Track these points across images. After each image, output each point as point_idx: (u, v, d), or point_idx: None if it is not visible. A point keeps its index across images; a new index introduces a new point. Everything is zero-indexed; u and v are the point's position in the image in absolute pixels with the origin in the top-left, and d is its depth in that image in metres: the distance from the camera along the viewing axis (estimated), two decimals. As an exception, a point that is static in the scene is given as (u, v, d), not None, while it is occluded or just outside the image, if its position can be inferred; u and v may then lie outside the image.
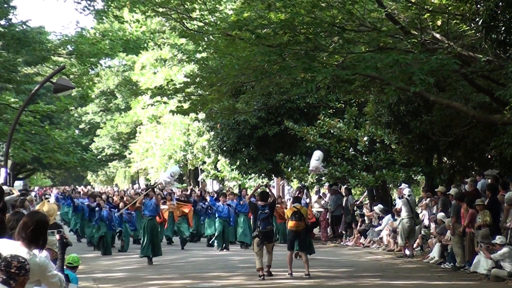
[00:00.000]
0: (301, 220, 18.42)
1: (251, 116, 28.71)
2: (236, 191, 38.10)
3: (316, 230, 30.75)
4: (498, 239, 17.17)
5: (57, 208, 11.77)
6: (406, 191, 23.27)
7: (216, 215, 26.55)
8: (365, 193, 30.73)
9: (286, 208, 23.66)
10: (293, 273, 17.90)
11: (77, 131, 65.38)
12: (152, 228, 21.91)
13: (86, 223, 28.78)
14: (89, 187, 69.87)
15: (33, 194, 42.01)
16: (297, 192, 22.32)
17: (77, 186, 61.89)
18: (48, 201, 26.31)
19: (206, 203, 28.78)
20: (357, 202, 30.57)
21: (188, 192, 34.93)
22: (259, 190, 21.15)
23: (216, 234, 26.42)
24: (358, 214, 29.11)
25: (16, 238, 7.14)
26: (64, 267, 13.31)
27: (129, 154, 66.29)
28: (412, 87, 14.64)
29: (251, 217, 26.34)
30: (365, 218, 28.34)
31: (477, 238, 18.13)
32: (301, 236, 18.60)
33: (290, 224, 18.55)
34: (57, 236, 10.34)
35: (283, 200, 30.63)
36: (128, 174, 76.27)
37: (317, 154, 21.32)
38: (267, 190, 19.46)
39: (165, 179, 22.99)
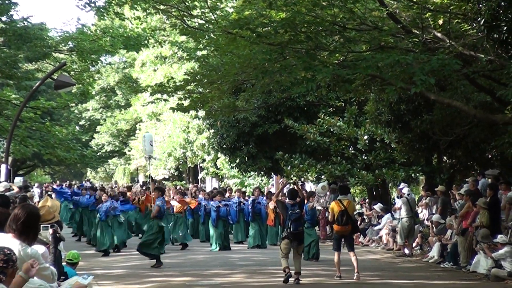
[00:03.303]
0: (347, 224, 17.27)
1: (251, 114, 28.75)
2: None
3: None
4: (500, 238, 17.16)
5: (59, 205, 11.79)
6: (405, 190, 23.26)
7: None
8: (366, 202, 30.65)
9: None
10: (341, 276, 17.05)
11: (77, 128, 65.34)
12: (162, 227, 20.91)
13: (85, 221, 28.83)
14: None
15: (37, 190, 41.91)
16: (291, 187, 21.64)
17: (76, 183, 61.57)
18: (51, 197, 26.38)
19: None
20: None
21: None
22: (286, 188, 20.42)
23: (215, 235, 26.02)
24: (357, 213, 29.07)
25: (7, 230, 7.12)
26: (64, 263, 13.38)
27: (129, 151, 66.32)
28: (413, 88, 14.64)
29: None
30: (365, 217, 28.34)
31: (477, 238, 18.13)
32: (348, 237, 17.74)
33: (336, 228, 17.48)
34: (50, 230, 10.37)
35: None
36: (128, 171, 76.25)
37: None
38: (296, 188, 18.23)
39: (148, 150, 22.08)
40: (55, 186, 41.83)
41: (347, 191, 18.74)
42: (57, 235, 10.68)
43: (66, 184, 43.69)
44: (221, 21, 18.56)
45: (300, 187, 19.57)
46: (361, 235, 27.30)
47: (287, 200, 17.21)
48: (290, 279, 16.22)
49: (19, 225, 7.02)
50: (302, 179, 28.64)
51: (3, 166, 23.95)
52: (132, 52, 45.93)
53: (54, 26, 70.85)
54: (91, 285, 8.87)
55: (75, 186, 41.06)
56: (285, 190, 21.10)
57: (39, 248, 7.77)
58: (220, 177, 49.51)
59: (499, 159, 23.21)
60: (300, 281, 16.27)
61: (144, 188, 35.39)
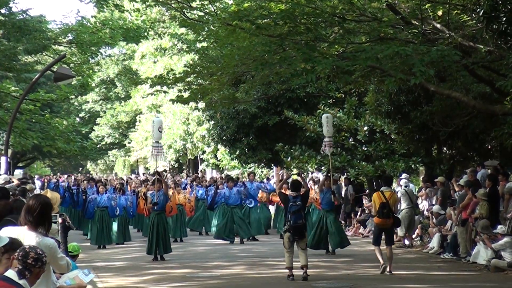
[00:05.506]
0: (389, 217, 16.73)
1: (251, 105, 28.75)
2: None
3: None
4: (500, 229, 17.17)
5: (59, 197, 11.79)
6: (402, 181, 23.28)
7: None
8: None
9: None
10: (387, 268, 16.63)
11: (77, 120, 65.31)
12: (158, 224, 20.18)
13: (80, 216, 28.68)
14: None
15: (38, 183, 41.80)
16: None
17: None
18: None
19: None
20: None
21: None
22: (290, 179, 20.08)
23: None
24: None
25: (22, 223, 7.12)
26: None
27: (129, 143, 66.32)
28: (413, 79, 14.60)
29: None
30: (365, 208, 28.34)
31: (477, 228, 18.14)
32: (388, 231, 17.34)
33: (376, 220, 17.01)
34: (60, 220, 10.35)
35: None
36: (128, 163, 76.30)
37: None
38: (299, 179, 17.60)
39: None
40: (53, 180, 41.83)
41: (390, 182, 18.23)
42: (67, 223, 10.65)
43: (63, 179, 43.38)
44: (221, 13, 18.54)
45: (303, 178, 19.18)
46: (361, 226, 27.34)
47: (289, 192, 16.67)
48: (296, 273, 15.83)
49: (35, 217, 7.06)
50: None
51: (3, 158, 23.94)
52: (132, 44, 46.07)
53: (53, 19, 70.85)
54: (94, 283, 8.84)
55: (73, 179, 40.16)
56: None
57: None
58: (221, 168, 49.52)
59: (498, 150, 23.23)
60: (308, 276, 15.72)
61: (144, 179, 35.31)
